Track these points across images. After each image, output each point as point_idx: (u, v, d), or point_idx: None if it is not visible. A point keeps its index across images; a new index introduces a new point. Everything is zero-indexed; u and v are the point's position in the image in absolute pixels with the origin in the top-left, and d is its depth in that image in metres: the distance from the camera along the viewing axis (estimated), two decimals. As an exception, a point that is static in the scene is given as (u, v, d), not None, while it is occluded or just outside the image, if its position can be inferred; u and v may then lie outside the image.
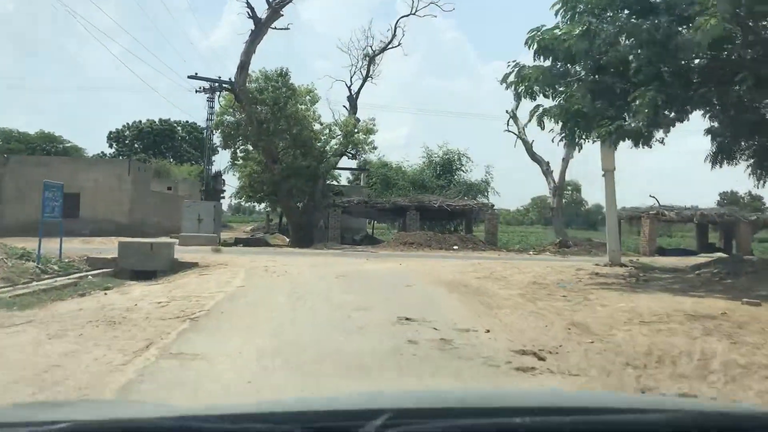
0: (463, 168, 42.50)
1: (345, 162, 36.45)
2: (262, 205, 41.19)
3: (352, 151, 33.95)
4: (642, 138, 13.00)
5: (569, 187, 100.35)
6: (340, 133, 33.75)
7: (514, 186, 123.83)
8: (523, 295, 12.58)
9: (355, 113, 35.07)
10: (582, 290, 13.23)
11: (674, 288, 13.44)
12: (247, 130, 30.44)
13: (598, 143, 15.67)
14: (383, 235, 56.63)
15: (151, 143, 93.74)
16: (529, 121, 15.11)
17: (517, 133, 36.66)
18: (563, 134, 14.96)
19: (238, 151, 32.20)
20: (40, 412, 1.90)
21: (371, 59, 35.64)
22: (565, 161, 34.78)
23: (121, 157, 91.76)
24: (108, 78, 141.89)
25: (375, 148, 33.87)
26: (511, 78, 14.64)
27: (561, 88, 14.46)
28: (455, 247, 28.34)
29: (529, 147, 35.99)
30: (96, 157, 78.55)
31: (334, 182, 45.80)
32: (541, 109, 14.80)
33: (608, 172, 18.54)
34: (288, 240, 34.87)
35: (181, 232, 34.15)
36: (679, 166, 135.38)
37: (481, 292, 13.26)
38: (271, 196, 33.55)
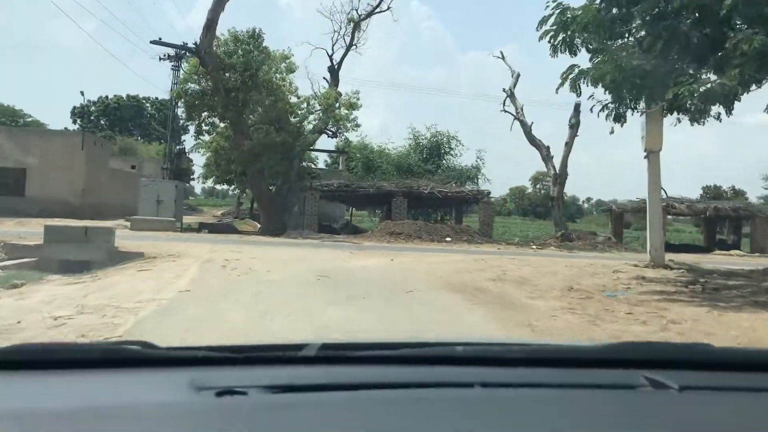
0: (452, 152, 39.12)
1: (324, 142, 32.77)
2: (232, 187, 37.38)
3: (333, 128, 30.32)
4: (732, 100, 9.66)
5: (548, 178, 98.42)
6: (319, 107, 30.09)
7: (498, 174, 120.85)
8: (572, 309, 9.23)
9: (336, 86, 31.32)
10: (644, 302, 9.93)
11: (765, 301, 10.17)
12: (213, 100, 26.66)
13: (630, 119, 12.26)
14: (363, 224, 53.18)
15: (117, 120, 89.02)
16: (561, 85, 11.65)
17: (514, 113, 33.34)
18: (610, 103, 11.63)
19: (203, 124, 28.37)
20: None
21: (356, 25, 31.82)
22: (569, 146, 31.55)
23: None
24: (77, 52, 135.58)
25: (358, 125, 30.29)
26: (551, 22, 11.22)
27: (615, 41, 11.10)
28: (448, 239, 24.97)
29: (528, 129, 32.69)
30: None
31: (311, 164, 42.34)
32: (576, 70, 11.43)
33: (653, 153, 15.18)
34: (258, 226, 31.21)
35: (137, 214, 30.45)
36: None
37: (508, 302, 9.91)
38: (241, 176, 29.83)
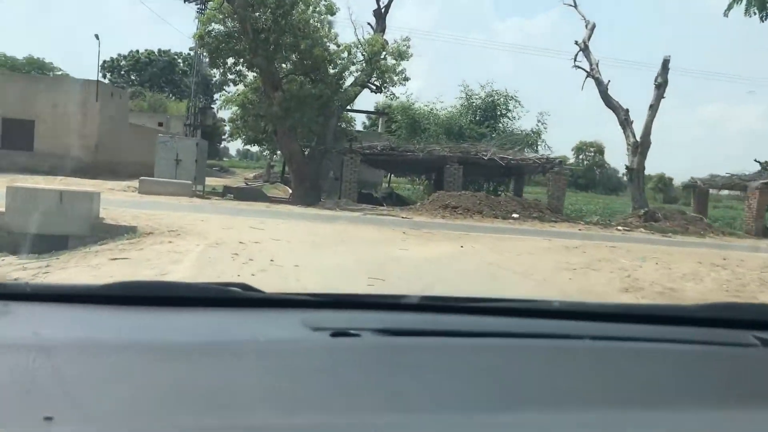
0: (509, 114, 34.49)
1: (364, 100, 28.46)
2: (262, 148, 33.54)
3: (377, 82, 26.06)
4: None
5: (591, 149, 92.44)
6: (362, 57, 25.85)
7: (564, 141, 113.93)
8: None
9: (383, 33, 26.98)
10: None
11: None
12: (240, 43, 22.63)
13: None
14: (402, 192, 49.38)
15: (149, 76, 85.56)
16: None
17: (588, 70, 28.67)
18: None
19: (229, 72, 24.36)
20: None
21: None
22: (654, 108, 26.88)
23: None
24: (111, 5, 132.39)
25: (407, 79, 25.97)
26: None
27: None
28: (515, 216, 20.75)
29: (604, 89, 28.02)
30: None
31: (349, 126, 38.14)
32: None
33: None
34: (290, 192, 27.33)
35: (154, 175, 26.76)
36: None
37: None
38: (271, 135, 25.88)
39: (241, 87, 26.53)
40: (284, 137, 23.95)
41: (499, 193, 32.73)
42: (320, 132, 25.13)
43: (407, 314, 1.67)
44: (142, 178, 21.95)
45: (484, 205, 21.16)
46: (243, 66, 23.91)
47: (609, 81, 28.23)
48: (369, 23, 27.48)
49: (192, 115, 32.55)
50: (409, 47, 25.46)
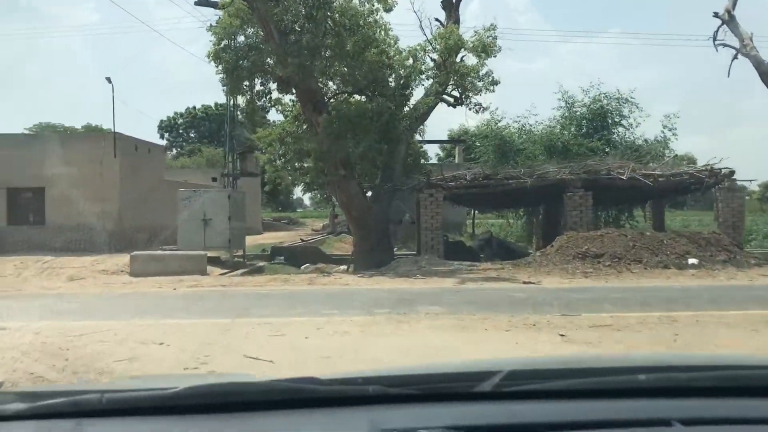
0: (624, 121, 26.91)
1: (437, 123, 21.75)
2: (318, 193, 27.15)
3: (455, 92, 19.30)
4: None
5: None
6: (432, 60, 19.23)
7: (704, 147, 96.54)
8: None
9: (456, 28, 20.35)
10: None
11: None
12: (265, 53, 16.39)
13: None
14: (480, 228, 42.13)
15: (207, 131, 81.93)
16: None
17: (738, 47, 21.09)
18: None
19: (256, 98, 18.09)
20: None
21: None
22: None
23: (174, 149, 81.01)
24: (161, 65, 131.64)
25: (495, 82, 19.11)
26: None
27: None
28: (692, 261, 13.31)
29: (765, 69, 20.33)
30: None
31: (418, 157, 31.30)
32: None
33: None
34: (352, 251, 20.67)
35: (177, 242, 20.85)
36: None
37: None
38: (319, 174, 19.39)
39: (278, 119, 20.27)
40: (334, 172, 17.35)
41: (633, 223, 25.25)
42: (385, 164, 18.47)
43: (482, 404, 1.52)
44: (134, 253, 15.63)
45: (640, 247, 13.81)
46: (272, 85, 17.59)
47: (772, 58, 20.54)
48: (437, 19, 20.80)
49: (229, 162, 26.41)
50: (495, 38, 18.62)
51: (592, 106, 27.04)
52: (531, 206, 24.67)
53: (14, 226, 25.69)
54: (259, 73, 17.34)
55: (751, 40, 20.83)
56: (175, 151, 79.97)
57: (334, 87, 18.73)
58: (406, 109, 18.69)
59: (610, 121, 26.95)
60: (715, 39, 22.05)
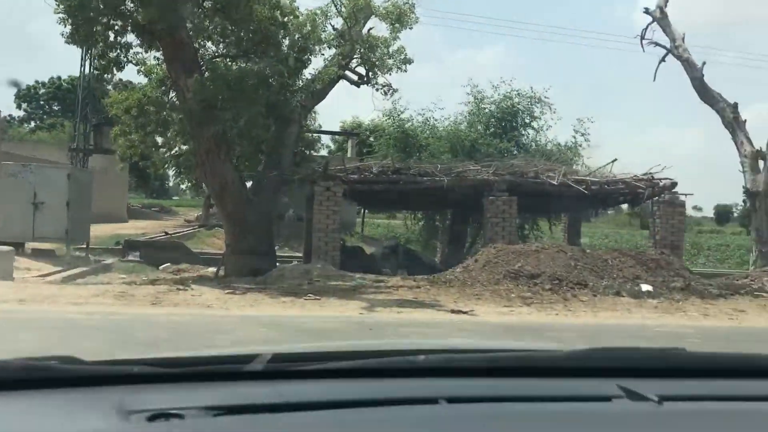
0: (534, 123, 24.73)
1: (329, 115, 18.66)
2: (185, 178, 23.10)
3: (363, 67, 16.09)
4: None
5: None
6: (335, 29, 15.92)
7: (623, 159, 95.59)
8: None
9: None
10: None
11: None
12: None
13: None
14: (378, 231, 39.41)
15: (73, 105, 74.23)
16: None
17: (669, 47, 19.35)
18: None
19: (110, 50, 13.96)
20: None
21: None
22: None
23: (33, 122, 72.65)
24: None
25: (408, 61, 16.10)
26: None
27: None
28: (646, 288, 10.82)
29: (697, 75, 18.63)
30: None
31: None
32: None
33: None
34: (227, 245, 16.84)
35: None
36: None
37: None
38: (185, 154, 15.52)
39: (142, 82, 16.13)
40: (208, 155, 13.63)
41: (535, 234, 23.17)
42: (272, 148, 14.97)
43: (249, 384, 1.44)
44: None
45: (583, 268, 11.19)
46: (132, 37, 13.57)
47: (704, 63, 18.86)
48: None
49: (79, 133, 21.68)
50: (413, 6, 15.57)
51: (502, 103, 24.66)
52: (439, 209, 21.84)
53: None
54: (114, 16, 13.28)
55: (683, 41, 19.09)
56: (33, 124, 71.65)
57: (213, 48, 14.98)
58: (301, 82, 15.28)
59: (520, 121, 24.72)
60: (642, 38, 20.22)
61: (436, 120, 25.40)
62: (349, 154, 41.45)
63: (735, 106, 18.32)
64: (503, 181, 14.14)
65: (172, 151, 17.47)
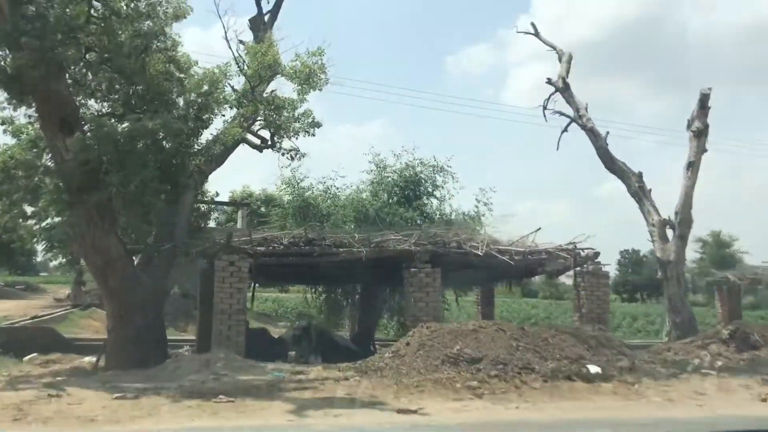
0: (438, 191, 24.07)
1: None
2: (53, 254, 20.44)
3: (268, 130, 14.71)
4: None
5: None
6: (235, 90, 14.54)
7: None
8: None
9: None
10: None
11: None
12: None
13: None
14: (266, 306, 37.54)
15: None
16: None
17: (572, 115, 19.42)
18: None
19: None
20: None
21: None
22: (694, 168, 17.74)
23: None
24: None
25: (316, 124, 14.91)
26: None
27: None
28: (595, 370, 9.84)
29: (602, 144, 18.68)
30: None
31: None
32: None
33: None
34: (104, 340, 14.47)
35: None
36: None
37: None
38: (60, 225, 13.33)
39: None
40: (89, 226, 11.61)
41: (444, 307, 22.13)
42: (164, 217, 13.12)
43: None
44: None
45: (525, 348, 10.11)
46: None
47: (608, 132, 18.99)
48: (241, 41, 16.03)
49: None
50: (323, 66, 14.48)
51: (404, 172, 23.91)
52: (349, 282, 20.33)
53: None
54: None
55: (587, 110, 19.19)
56: None
57: (96, 105, 13.12)
58: (198, 145, 13.65)
59: (423, 190, 24.02)
60: (545, 108, 20.24)
61: (337, 188, 24.29)
62: (239, 225, 39.34)
63: (640, 175, 18.39)
64: (425, 252, 13.01)
65: (43, 223, 15.19)
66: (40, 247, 25.25)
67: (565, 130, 19.95)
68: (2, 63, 11.35)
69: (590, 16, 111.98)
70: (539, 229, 14.32)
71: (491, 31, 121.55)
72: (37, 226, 16.71)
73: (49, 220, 15.21)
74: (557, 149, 20.74)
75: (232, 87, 14.74)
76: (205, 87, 13.57)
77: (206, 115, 12.88)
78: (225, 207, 46.14)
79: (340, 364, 10.29)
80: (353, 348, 14.88)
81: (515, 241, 14.35)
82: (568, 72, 19.96)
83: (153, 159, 11.43)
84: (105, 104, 13.14)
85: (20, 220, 13.53)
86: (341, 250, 12.91)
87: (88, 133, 11.22)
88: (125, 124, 11.79)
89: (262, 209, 34.70)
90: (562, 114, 19.58)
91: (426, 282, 12.85)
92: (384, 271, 14.29)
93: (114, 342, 12.80)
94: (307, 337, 14.37)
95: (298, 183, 23.90)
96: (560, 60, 20.32)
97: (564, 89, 19.68)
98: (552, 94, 20.00)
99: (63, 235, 15.99)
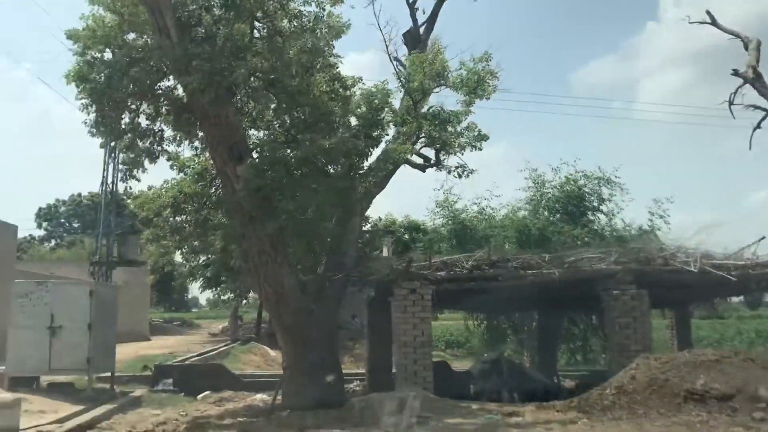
0: (603, 206, 22.04)
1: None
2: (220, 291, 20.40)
3: (432, 147, 13.68)
4: None
5: None
6: (396, 103, 13.62)
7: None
8: None
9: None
10: None
11: None
12: (158, 60, 10.25)
13: None
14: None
15: (92, 222, 72.68)
16: None
17: (769, 109, 16.95)
18: None
19: (139, 136, 11.66)
20: None
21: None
22: None
23: (54, 241, 70.90)
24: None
25: (483, 137, 13.67)
26: None
27: None
28: None
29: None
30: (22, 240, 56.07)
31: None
32: None
33: None
34: (272, 355, 13.78)
35: (6, 361, 13.75)
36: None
37: None
38: (236, 257, 12.83)
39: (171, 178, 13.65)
40: (261, 258, 10.98)
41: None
42: (334, 244, 12.35)
43: None
44: None
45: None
46: (163, 117, 11.26)
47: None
48: (396, 58, 15.17)
49: (102, 245, 19.26)
50: (492, 73, 13.28)
51: (565, 186, 22.08)
52: (526, 308, 18.77)
53: None
54: (146, 97, 11.04)
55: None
56: (54, 242, 70.14)
57: (257, 133, 12.61)
58: (365, 167, 12.77)
59: (588, 205, 22.05)
60: (731, 103, 17.85)
61: (493, 209, 22.91)
62: (384, 254, 38.76)
63: None
64: (628, 271, 11.32)
65: (209, 257, 14.96)
66: (197, 284, 25.86)
67: (758, 126, 17.50)
68: (172, 92, 11.16)
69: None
70: (763, 238, 12.19)
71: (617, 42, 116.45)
72: (195, 263, 16.65)
73: (205, 257, 15.01)
74: (750, 148, 18.23)
75: (390, 105, 13.86)
76: (376, 101, 12.64)
77: (376, 132, 12.00)
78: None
79: (555, 403, 8.86)
80: (548, 382, 13.32)
81: (733, 253, 12.28)
82: (758, 60, 17.49)
83: (328, 182, 10.64)
84: (265, 133, 12.65)
85: (192, 254, 13.25)
86: (529, 272, 11.48)
87: (257, 160, 10.60)
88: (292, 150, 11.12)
89: (406, 236, 33.95)
90: (756, 107, 17.16)
91: (632, 305, 11.14)
92: (575, 295, 12.69)
93: (290, 379, 12.05)
94: (498, 371, 13.01)
95: (451, 205, 22.84)
96: (746, 48, 17.92)
97: (755, 79, 17.27)
98: (740, 86, 17.63)
99: (222, 272, 15.72)
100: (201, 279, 22.64)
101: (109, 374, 14.60)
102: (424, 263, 11.93)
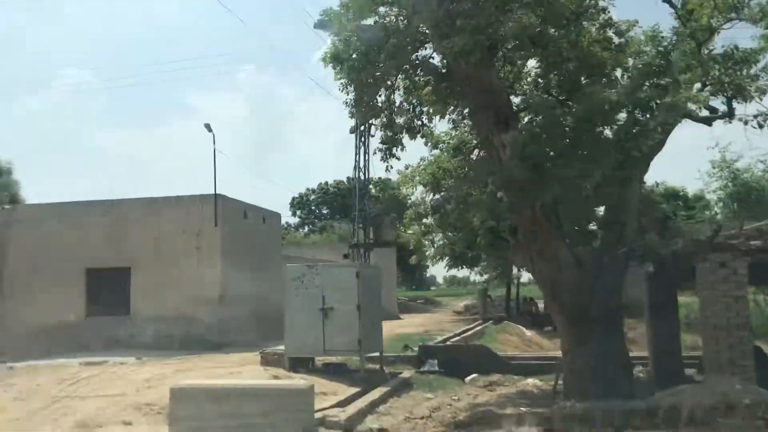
0: None
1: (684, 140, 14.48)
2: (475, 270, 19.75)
3: (724, 95, 11.60)
4: None
5: None
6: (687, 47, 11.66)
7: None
8: None
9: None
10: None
11: None
12: (415, 27, 9.69)
13: None
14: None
15: (340, 207, 77.20)
16: None
17: None
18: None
19: (393, 117, 11.24)
20: None
21: None
22: None
23: (306, 227, 76.49)
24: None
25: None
26: None
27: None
28: None
29: None
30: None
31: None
32: None
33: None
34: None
35: (284, 341, 14.37)
36: None
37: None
38: (490, 239, 11.92)
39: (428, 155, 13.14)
40: (534, 231, 9.99)
41: None
42: (612, 214, 10.96)
43: None
44: (178, 386, 8.36)
45: None
46: (420, 91, 10.70)
47: None
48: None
49: (359, 226, 19.73)
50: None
51: None
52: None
53: (94, 318, 20.17)
54: (403, 70, 10.56)
55: None
56: (306, 228, 75.81)
57: (519, 99, 11.52)
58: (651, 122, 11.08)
59: None
60: None
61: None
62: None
63: None
64: None
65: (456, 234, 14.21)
66: (443, 263, 25.64)
67: None
68: (429, 63, 10.56)
69: None
70: None
71: None
72: (441, 242, 16.01)
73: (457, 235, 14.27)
74: None
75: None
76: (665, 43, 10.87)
77: (665, 80, 10.30)
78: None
79: None
80: None
81: None
82: None
83: (610, 145, 9.30)
84: (522, 98, 11.54)
85: (454, 232, 12.67)
86: None
87: (532, 121, 9.59)
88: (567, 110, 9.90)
89: (663, 205, 30.93)
90: None
91: None
92: None
93: (571, 365, 10.94)
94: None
95: (730, 164, 19.91)
96: None
97: None
98: None
99: (474, 249, 14.85)
100: (447, 258, 22.34)
101: (377, 354, 14.68)
102: (731, 232, 10.05)
